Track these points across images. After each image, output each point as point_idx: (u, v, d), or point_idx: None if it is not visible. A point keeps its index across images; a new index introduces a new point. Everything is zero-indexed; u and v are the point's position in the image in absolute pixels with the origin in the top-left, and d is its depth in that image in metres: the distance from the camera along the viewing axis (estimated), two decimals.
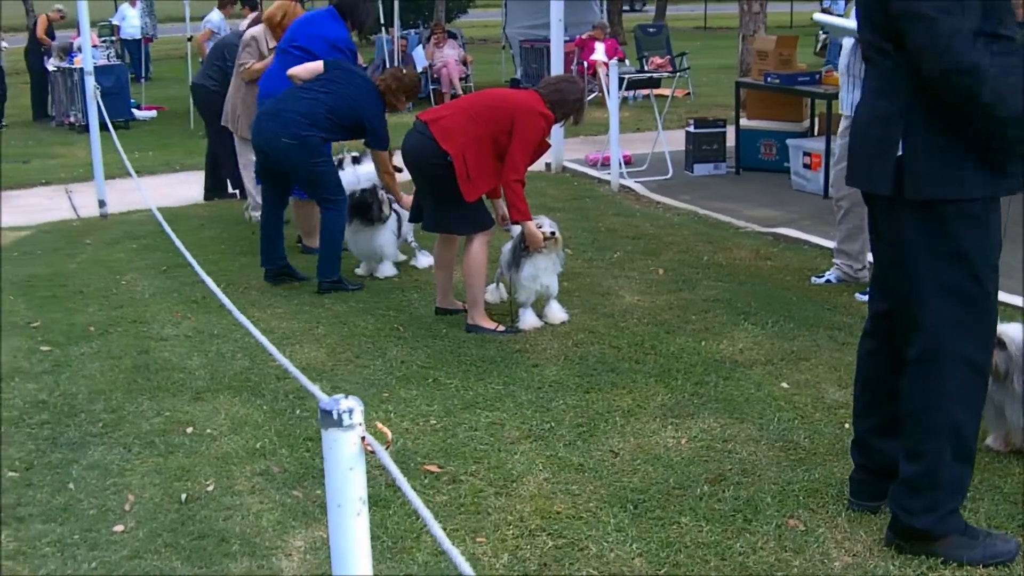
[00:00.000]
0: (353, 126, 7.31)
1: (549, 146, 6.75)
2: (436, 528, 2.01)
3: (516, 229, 6.54)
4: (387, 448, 2.17)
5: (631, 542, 4.01)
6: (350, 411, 2.13)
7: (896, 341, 3.88)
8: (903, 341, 3.82)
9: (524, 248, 6.42)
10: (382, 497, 4.31)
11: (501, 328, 6.48)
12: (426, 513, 2.05)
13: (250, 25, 9.44)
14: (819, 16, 8.40)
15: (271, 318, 6.84)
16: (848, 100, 6.86)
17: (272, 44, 8.55)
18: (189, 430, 5.17)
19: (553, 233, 6.46)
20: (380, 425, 2.21)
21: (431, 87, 18.99)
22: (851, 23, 6.42)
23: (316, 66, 7.39)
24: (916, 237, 3.64)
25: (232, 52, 9.21)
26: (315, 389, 2.43)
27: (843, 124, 7.16)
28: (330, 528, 2.21)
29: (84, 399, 5.60)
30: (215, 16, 15.49)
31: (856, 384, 4.16)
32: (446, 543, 1.99)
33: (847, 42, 6.84)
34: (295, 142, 7.04)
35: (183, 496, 4.48)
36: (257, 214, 9.39)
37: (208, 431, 5.15)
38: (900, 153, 3.60)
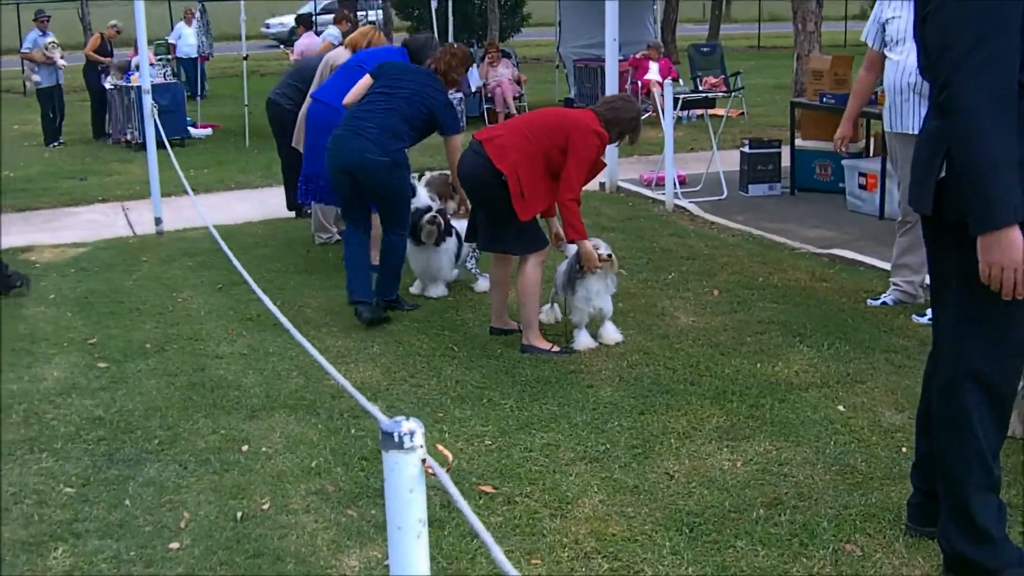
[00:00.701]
0: (425, 125, 7.17)
1: (604, 165, 6.72)
2: (497, 551, 2.00)
3: (571, 249, 6.53)
4: (447, 470, 2.16)
5: (687, 565, 3.99)
6: (411, 433, 2.12)
7: None
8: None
9: (579, 268, 6.41)
10: (436, 518, 4.30)
11: (556, 349, 6.46)
12: (487, 536, 2.04)
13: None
14: None
15: (326, 336, 6.86)
16: (913, 117, 6.81)
17: None
18: (244, 448, 5.19)
19: (610, 255, 6.45)
20: (441, 447, 2.20)
21: (485, 106, 19.05)
22: None
23: (365, 82, 7.27)
24: (949, 258, 3.63)
25: (313, 75, 9.15)
26: (375, 410, 2.43)
27: (892, 143, 7.16)
28: (390, 550, 2.20)
29: (140, 416, 5.65)
30: (334, 30, 15.80)
31: (919, 405, 4.12)
32: (507, 566, 1.98)
33: (911, 59, 6.74)
34: (385, 158, 6.90)
35: (238, 514, 4.50)
36: (326, 236, 9.40)
37: (263, 449, 5.17)
38: (943, 175, 3.57)
